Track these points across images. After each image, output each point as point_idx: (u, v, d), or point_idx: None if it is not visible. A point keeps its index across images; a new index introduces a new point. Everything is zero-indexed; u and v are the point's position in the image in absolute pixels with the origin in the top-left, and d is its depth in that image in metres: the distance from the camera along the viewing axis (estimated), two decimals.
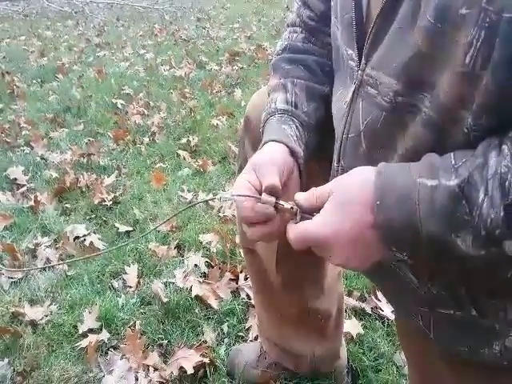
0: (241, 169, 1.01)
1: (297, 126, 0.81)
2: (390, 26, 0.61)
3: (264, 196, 0.68)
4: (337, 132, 0.76)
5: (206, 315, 1.55)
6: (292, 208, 0.67)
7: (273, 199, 0.67)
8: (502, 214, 0.49)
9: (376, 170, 0.60)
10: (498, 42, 0.49)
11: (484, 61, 0.51)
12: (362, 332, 1.45)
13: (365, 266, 0.64)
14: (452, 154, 0.55)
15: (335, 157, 0.76)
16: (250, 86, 3.96)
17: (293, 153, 0.77)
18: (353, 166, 0.67)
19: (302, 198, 0.66)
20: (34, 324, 1.51)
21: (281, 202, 0.68)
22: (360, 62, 0.68)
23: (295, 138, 0.79)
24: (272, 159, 0.74)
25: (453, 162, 0.54)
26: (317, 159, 0.84)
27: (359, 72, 0.68)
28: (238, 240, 1.84)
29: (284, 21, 7.03)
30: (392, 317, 1.49)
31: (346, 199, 0.61)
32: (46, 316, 1.55)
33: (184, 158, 2.69)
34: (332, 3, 0.80)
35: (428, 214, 0.54)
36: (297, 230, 0.65)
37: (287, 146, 0.77)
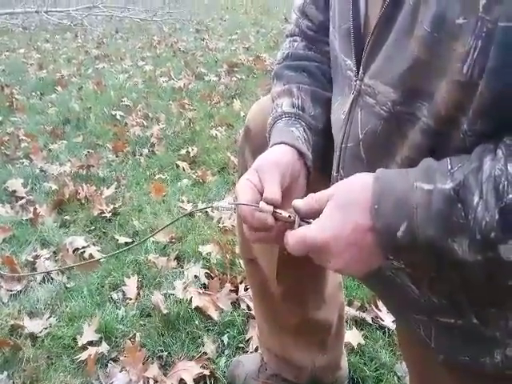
0: None
1: (304, 129, 0.81)
2: (387, 36, 0.61)
3: (262, 204, 0.68)
4: (336, 141, 0.76)
5: (206, 326, 1.54)
6: (290, 216, 0.67)
7: (270, 208, 0.67)
8: (496, 216, 0.49)
9: (374, 176, 0.60)
10: (492, 50, 0.50)
11: (481, 70, 0.51)
12: (363, 342, 1.45)
13: (364, 272, 0.64)
14: (448, 159, 0.55)
15: (334, 166, 0.76)
16: (249, 96, 3.98)
17: (301, 154, 0.77)
18: (352, 175, 0.67)
19: (300, 203, 0.66)
20: (33, 337, 1.50)
21: (278, 210, 0.68)
22: (358, 72, 0.68)
23: (303, 141, 0.79)
24: (276, 161, 0.74)
25: (449, 167, 0.54)
26: (320, 169, 0.84)
27: (357, 82, 0.69)
28: (237, 250, 1.84)
29: (282, 32, 7.07)
30: (393, 327, 1.49)
31: (345, 203, 0.61)
32: (46, 329, 1.54)
33: (183, 169, 2.70)
34: (330, 13, 0.80)
35: (425, 218, 0.54)
36: (297, 235, 0.64)
37: (295, 148, 0.77)
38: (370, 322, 1.54)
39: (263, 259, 1.07)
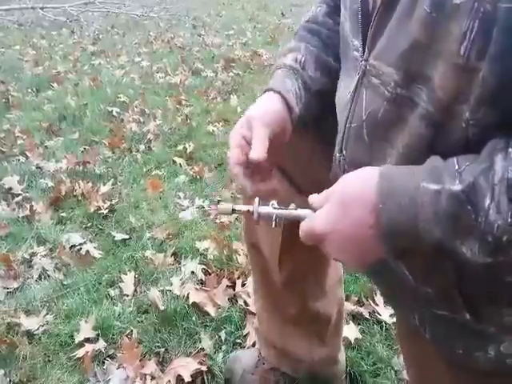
0: None
1: (299, 86, 0.84)
2: (391, 16, 0.62)
3: (221, 205, 0.75)
4: (339, 122, 0.77)
5: (203, 322, 1.54)
6: (248, 211, 0.73)
7: (229, 207, 0.74)
8: (509, 219, 0.49)
9: (380, 171, 0.59)
10: (496, 31, 0.49)
11: (480, 52, 0.51)
12: (360, 337, 1.45)
13: (363, 266, 0.66)
14: (455, 158, 0.54)
15: (337, 147, 0.77)
16: (246, 92, 3.97)
17: (288, 106, 0.81)
18: (354, 157, 0.68)
19: (315, 200, 0.67)
20: (29, 334, 1.50)
21: (237, 207, 0.75)
22: (364, 53, 0.69)
23: (294, 94, 0.83)
24: (265, 115, 0.79)
25: (456, 167, 0.53)
26: (318, 147, 0.86)
27: (363, 62, 0.69)
28: (235, 246, 1.85)
29: (279, 27, 7.07)
30: (390, 321, 1.49)
31: (348, 198, 0.61)
32: (42, 326, 1.53)
33: (180, 165, 2.69)
34: None
35: (432, 219, 0.53)
36: (303, 225, 0.67)
37: (284, 98, 0.81)
38: (367, 316, 1.54)
39: (266, 244, 1.08)
